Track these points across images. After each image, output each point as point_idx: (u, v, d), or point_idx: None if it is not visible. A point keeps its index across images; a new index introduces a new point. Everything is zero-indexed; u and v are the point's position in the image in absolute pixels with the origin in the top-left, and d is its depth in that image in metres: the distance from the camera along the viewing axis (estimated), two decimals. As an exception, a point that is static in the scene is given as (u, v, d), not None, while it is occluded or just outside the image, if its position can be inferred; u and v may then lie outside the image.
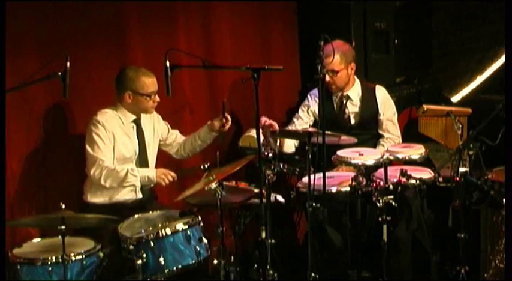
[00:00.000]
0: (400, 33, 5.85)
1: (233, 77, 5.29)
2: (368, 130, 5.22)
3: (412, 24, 6.05)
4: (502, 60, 6.91)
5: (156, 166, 4.77)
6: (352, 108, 5.20)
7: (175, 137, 4.95)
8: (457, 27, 7.10)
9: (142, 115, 4.71)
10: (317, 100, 5.18)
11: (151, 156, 4.77)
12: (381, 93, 5.26)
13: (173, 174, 4.55)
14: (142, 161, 4.69)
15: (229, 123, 4.85)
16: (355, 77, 5.23)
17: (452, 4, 6.96)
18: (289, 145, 5.13)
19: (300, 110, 5.31)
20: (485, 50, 7.23)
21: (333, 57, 4.76)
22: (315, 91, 5.21)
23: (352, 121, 5.21)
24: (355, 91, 5.21)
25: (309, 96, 5.30)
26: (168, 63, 4.08)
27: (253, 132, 4.76)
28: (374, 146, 4.98)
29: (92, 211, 4.35)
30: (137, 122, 4.68)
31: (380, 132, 5.25)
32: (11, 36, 4.29)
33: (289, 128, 5.27)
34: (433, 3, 6.40)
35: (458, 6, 7.01)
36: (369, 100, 5.21)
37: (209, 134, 4.90)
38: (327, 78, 5.06)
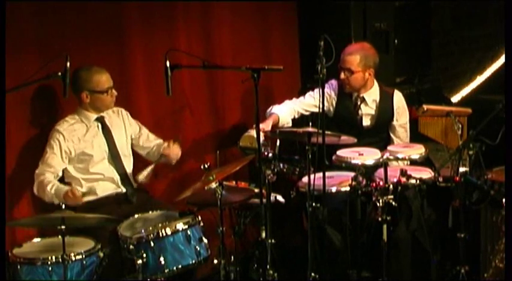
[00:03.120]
0: (400, 33, 5.85)
1: (233, 77, 5.28)
2: (379, 134, 5.21)
3: (412, 24, 6.05)
4: (502, 60, 6.91)
5: (137, 163, 4.74)
6: (366, 110, 5.18)
7: (147, 138, 4.85)
8: (457, 27, 7.11)
9: (108, 112, 4.69)
10: (336, 92, 5.18)
11: (124, 152, 4.72)
12: (398, 99, 5.23)
13: (81, 199, 4.35)
14: (114, 159, 4.66)
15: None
16: (375, 81, 5.19)
17: (452, 4, 6.96)
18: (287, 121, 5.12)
19: (313, 92, 5.19)
20: (485, 50, 7.23)
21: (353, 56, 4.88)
22: (336, 83, 5.20)
23: (364, 123, 5.18)
24: (371, 94, 5.17)
25: (329, 84, 5.18)
26: (168, 63, 4.08)
27: (253, 132, 4.76)
28: (381, 149, 4.95)
29: (79, 209, 4.33)
30: (101, 120, 4.66)
31: (391, 136, 5.24)
32: (11, 36, 4.29)
33: (295, 101, 5.23)
34: (433, 3, 6.41)
35: (458, 6, 7.02)
36: (385, 105, 5.18)
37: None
38: (342, 75, 5.07)
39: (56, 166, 4.50)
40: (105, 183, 4.62)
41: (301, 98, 5.25)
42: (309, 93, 5.20)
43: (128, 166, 4.73)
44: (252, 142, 4.79)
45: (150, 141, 4.84)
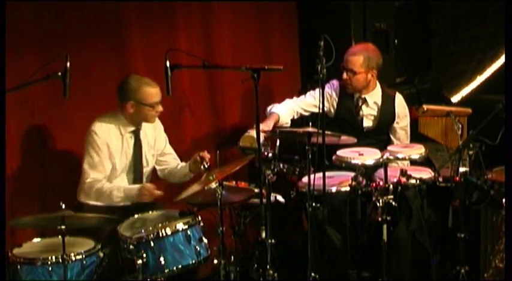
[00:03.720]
0: (400, 33, 5.85)
1: (233, 77, 5.29)
2: (379, 135, 5.21)
3: (412, 24, 6.05)
4: (502, 60, 6.91)
5: (152, 178, 4.72)
6: (367, 111, 5.17)
7: (169, 159, 4.80)
8: (457, 27, 7.10)
9: (143, 125, 4.64)
10: (337, 92, 5.17)
11: (147, 167, 4.69)
12: (400, 102, 5.23)
13: (158, 192, 4.42)
14: (136, 173, 4.63)
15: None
16: (378, 83, 5.19)
17: (452, 4, 6.96)
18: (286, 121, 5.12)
19: (314, 91, 5.17)
20: (485, 50, 7.23)
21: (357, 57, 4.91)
22: (337, 84, 5.19)
23: (365, 124, 5.18)
24: (373, 96, 5.17)
25: (330, 85, 5.18)
26: (168, 63, 4.08)
27: (253, 133, 4.76)
28: (381, 151, 4.93)
29: (87, 212, 4.34)
30: (136, 133, 4.61)
31: (392, 138, 5.24)
32: (11, 36, 4.29)
33: (295, 100, 5.22)
34: (433, 3, 6.41)
35: (458, 6, 7.01)
36: (387, 107, 5.17)
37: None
38: (344, 75, 5.07)
39: (106, 169, 4.48)
40: None
41: (302, 97, 5.24)
42: (310, 93, 5.19)
43: (147, 178, 4.71)
44: (252, 142, 4.79)
45: (172, 161, 4.79)
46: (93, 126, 4.49)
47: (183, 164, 4.76)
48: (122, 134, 4.56)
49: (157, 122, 4.72)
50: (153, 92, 4.49)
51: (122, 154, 4.56)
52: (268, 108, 5.13)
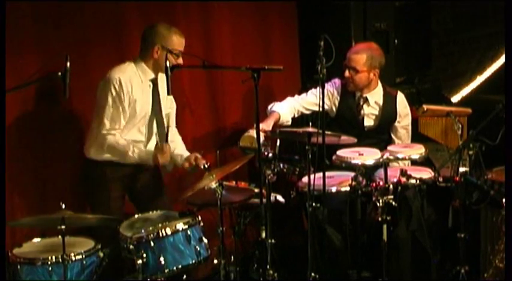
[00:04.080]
0: (400, 33, 5.85)
1: (233, 77, 5.29)
2: (380, 135, 5.21)
3: (412, 24, 6.05)
4: (502, 60, 6.91)
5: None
6: (368, 110, 5.17)
7: (173, 131, 4.74)
8: (457, 27, 7.11)
9: (162, 76, 4.52)
10: (338, 91, 5.17)
11: (168, 118, 4.64)
12: (401, 101, 5.23)
13: (168, 158, 4.41)
14: (159, 123, 4.56)
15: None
16: (379, 82, 5.19)
17: (452, 4, 6.96)
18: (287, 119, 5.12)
19: (315, 90, 5.13)
20: (485, 50, 7.23)
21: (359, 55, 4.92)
22: (339, 82, 5.19)
23: (366, 123, 5.18)
24: (374, 95, 5.16)
25: (331, 83, 5.19)
26: (168, 63, 4.08)
27: (253, 132, 4.76)
28: (381, 150, 4.93)
29: (93, 168, 4.37)
30: (154, 82, 4.55)
31: (393, 137, 5.24)
32: (11, 36, 4.29)
33: (297, 99, 5.22)
34: (433, 3, 6.41)
35: (458, 7, 7.02)
36: (388, 107, 5.18)
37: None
38: (346, 73, 5.06)
39: (122, 120, 4.42)
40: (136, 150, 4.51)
41: (304, 95, 5.23)
42: (311, 91, 5.18)
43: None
44: (252, 142, 4.79)
45: (174, 133, 4.74)
46: (114, 73, 4.42)
47: (179, 153, 4.69)
48: (142, 81, 4.51)
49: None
50: (181, 41, 4.48)
51: (141, 101, 4.49)
52: (269, 107, 5.13)
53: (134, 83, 4.45)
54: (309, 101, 5.16)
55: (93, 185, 4.56)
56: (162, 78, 4.51)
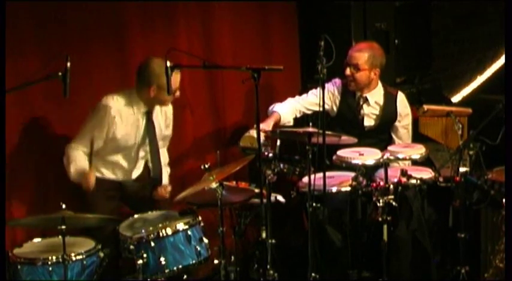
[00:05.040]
0: (400, 33, 5.85)
1: (233, 77, 5.28)
2: (380, 134, 5.21)
3: (412, 24, 6.04)
4: (502, 60, 6.90)
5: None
6: (368, 110, 5.17)
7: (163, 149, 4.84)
8: (457, 27, 7.10)
9: (156, 107, 4.62)
10: (339, 90, 5.17)
11: (161, 145, 4.73)
12: (401, 101, 5.23)
13: (91, 183, 4.42)
14: (153, 154, 4.63)
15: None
16: (379, 82, 5.19)
17: (452, 4, 6.96)
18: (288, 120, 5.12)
19: (316, 90, 5.11)
20: (485, 50, 7.22)
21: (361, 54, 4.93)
22: (340, 82, 5.19)
23: (366, 123, 5.18)
24: (374, 95, 5.16)
25: (332, 83, 5.19)
26: (168, 63, 4.08)
27: (253, 132, 4.76)
28: (382, 150, 4.93)
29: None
30: (149, 115, 4.58)
31: (393, 137, 5.23)
32: (11, 36, 4.30)
33: (297, 99, 5.21)
34: (433, 3, 6.40)
35: (458, 6, 7.01)
36: (389, 106, 5.17)
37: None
38: (347, 71, 5.06)
39: (90, 147, 4.46)
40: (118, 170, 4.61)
41: (304, 95, 5.23)
42: (312, 91, 5.18)
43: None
44: (253, 142, 4.79)
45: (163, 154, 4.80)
46: (107, 100, 4.46)
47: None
48: (134, 113, 4.54)
49: (169, 109, 4.73)
50: (177, 79, 4.48)
51: (131, 132, 4.53)
52: (270, 108, 5.13)
53: (124, 114, 4.49)
54: (309, 101, 5.15)
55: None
56: (157, 110, 4.62)
